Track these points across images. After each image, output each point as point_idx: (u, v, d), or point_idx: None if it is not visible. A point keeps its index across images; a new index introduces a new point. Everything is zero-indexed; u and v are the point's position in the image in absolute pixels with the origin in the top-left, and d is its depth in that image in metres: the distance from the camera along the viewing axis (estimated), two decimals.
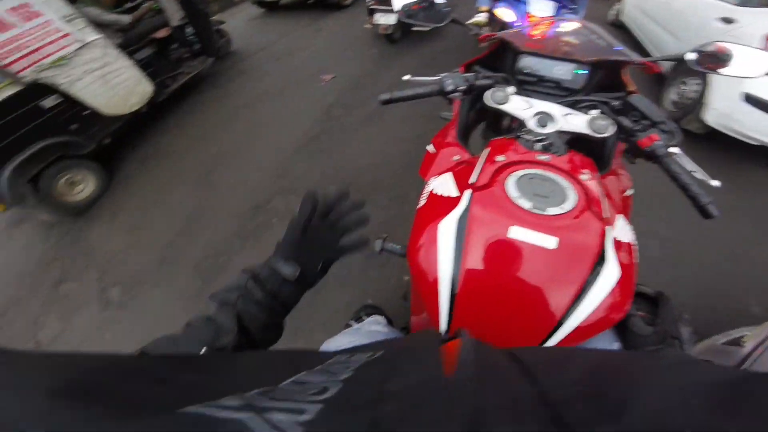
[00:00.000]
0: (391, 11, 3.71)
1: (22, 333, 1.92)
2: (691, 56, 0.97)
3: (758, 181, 2.50)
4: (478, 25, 2.87)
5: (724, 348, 1.30)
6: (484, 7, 2.87)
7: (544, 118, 0.75)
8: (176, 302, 1.94)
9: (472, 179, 0.63)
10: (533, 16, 2.33)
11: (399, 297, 1.44)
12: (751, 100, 2.17)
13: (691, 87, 2.63)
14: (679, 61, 1.00)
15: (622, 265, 0.56)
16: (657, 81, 3.34)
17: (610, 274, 0.54)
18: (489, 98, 0.79)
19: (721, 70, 0.98)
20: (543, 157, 0.66)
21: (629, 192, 0.89)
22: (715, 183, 0.74)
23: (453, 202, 0.62)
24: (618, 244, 0.59)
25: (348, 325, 1.20)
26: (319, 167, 2.47)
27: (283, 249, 0.46)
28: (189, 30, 3.81)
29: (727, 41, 0.97)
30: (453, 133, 0.95)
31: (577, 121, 0.76)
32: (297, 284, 0.45)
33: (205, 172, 2.68)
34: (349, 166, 2.43)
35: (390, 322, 1.06)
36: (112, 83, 2.69)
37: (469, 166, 0.69)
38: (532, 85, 0.97)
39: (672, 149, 0.74)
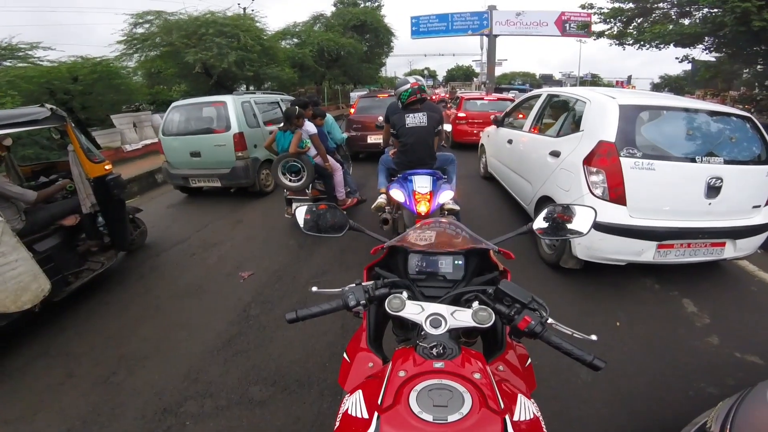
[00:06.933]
0: (308, 200, 4.05)
1: None
2: (536, 225, 1.23)
3: (645, 297, 3.02)
4: (380, 207, 3.35)
5: None
6: (383, 189, 3.42)
7: (436, 319, 0.84)
8: None
9: (380, 400, 0.69)
10: (418, 193, 2.87)
11: None
12: (599, 227, 2.70)
13: None
14: (530, 231, 1.26)
15: None
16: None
17: None
18: (387, 307, 0.88)
19: (561, 234, 1.22)
20: (438, 365, 0.74)
21: (528, 362, 0.99)
22: (593, 338, 0.86)
23: (364, 425, 0.67)
24: (519, 427, 0.66)
25: None
26: (237, 369, 2.33)
27: None
28: (101, 219, 3.39)
29: (560, 204, 1.24)
30: (364, 339, 1.02)
31: (463, 317, 0.85)
32: None
33: (106, 375, 2.34)
34: (271, 365, 2.33)
35: None
36: (2, 277, 2.33)
37: (378, 380, 0.75)
38: (424, 282, 1.11)
39: (548, 322, 0.85)
